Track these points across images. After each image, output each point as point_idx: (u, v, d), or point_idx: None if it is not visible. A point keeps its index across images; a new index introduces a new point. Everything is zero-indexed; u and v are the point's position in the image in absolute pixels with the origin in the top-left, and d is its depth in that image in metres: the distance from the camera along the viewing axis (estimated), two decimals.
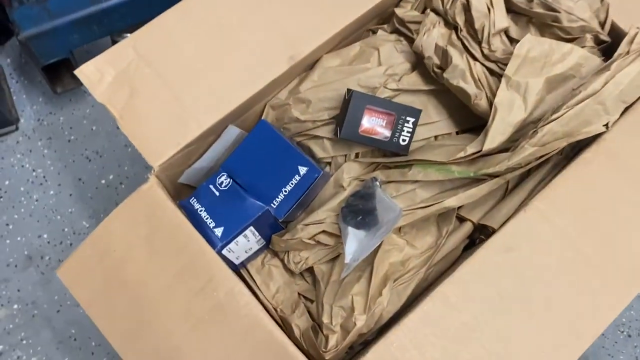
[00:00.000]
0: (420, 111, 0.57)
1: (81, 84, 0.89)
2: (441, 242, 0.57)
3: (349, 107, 0.55)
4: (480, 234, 0.59)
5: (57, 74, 0.88)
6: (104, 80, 0.55)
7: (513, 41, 0.62)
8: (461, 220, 0.60)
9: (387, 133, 0.57)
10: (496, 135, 0.54)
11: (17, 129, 0.90)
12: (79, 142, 0.90)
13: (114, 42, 0.89)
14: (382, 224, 0.53)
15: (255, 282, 0.60)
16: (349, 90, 0.58)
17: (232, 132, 0.60)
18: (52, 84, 0.87)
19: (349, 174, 0.60)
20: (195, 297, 0.50)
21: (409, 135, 0.58)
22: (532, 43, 0.56)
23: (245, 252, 0.57)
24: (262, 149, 0.56)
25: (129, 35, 0.86)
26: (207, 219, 0.53)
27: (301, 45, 0.58)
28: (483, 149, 0.54)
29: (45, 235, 0.85)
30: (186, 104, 0.55)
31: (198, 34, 0.57)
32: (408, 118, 0.57)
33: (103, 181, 0.86)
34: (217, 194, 0.55)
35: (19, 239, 0.85)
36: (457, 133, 0.63)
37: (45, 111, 0.92)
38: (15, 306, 0.82)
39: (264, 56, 0.57)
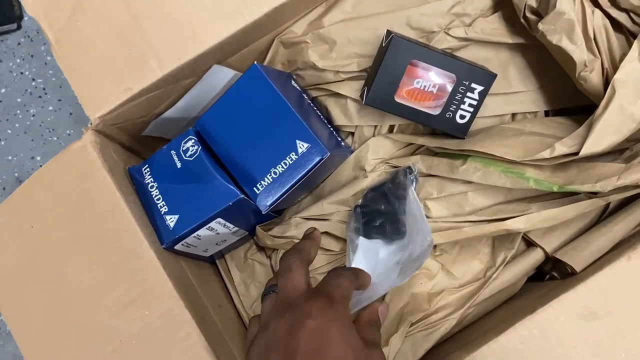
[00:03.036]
0: (494, 76, 0.38)
1: None
2: (493, 274, 0.39)
3: (384, 58, 0.37)
4: (553, 268, 0.41)
5: None
6: None
7: None
8: (528, 243, 0.41)
9: (438, 104, 0.38)
10: (607, 132, 0.34)
11: (19, 27, 0.77)
12: None
13: None
14: (408, 248, 0.36)
15: (233, 281, 0.45)
16: (388, 32, 0.38)
17: (221, 74, 0.43)
18: None
19: (376, 153, 0.43)
20: (123, 311, 0.36)
21: (471, 110, 0.39)
22: None
23: (217, 244, 0.42)
24: (249, 107, 0.39)
25: None
26: (158, 200, 0.38)
27: None
28: (582, 152, 0.34)
29: (38, 158, 0.74)
30: (148, 31, 0.38)
31: None
32: (474, 85, 0.38)
33: None
34: (179, 165, 0.39)
35: (9, 157, 0.74)
36: (548, 114, 0.43)
37: None
38: None
39: None
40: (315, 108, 0.44)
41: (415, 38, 0.41)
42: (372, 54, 0.42)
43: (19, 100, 0.75)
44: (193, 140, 0.39)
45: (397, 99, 0.38)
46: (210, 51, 0.39)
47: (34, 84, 0.76)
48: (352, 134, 0.44)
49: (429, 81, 0.37)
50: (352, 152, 0.43)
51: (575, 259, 0.37)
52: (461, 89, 0.37)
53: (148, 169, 0.39)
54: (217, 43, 0.38)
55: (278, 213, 0.44)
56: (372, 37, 0.41)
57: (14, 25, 0.76)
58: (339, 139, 0.43)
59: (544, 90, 0.42)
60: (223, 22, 0.38)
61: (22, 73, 0.76)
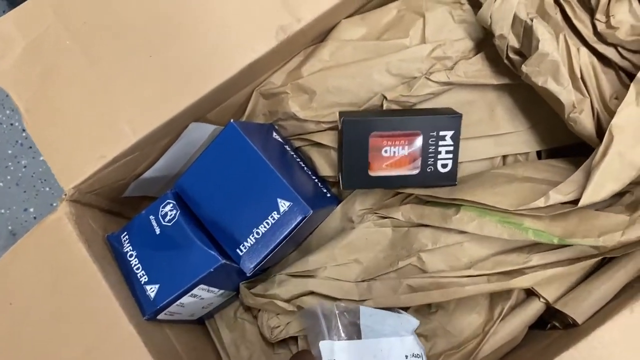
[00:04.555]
0: (460, 116, 0.36)
1: None
2: (491, 328, 0.38)
3: (343, 141, 0.36)
4: (554, 317, 0.39)
5: None
6: (10, 53, 0.38)
7: None
8: (528, 291, 0.39)
9: (414, 164, 0.37)
10: (606, 180, 0.33)
11: None
12: None
13: None
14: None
15: (223, 343, 0.43)
16: (340, 114, 0.38)
17: (200, 130, 0.41)
18: None
19: (363, 204, 0.41)
20: None
21: (450, 156, 0.37)
22: None
23: (203, 307, 0.41)
24: (230, 166, 0.38)
25: None
26: (138, 269, 0.37)
27: (301, 8, 0.37)
28: (581, 202, 0.33)
29: (31, 209, 0.73)
30: (119, 98, 0.37)
31: None
32: (442, 133, 0.36)
33: None
34: (158, 231, 0.37)
35: (2, 211, 0.73)
36: (540, 154, 0.41)
37: None
38: None
39: (241, 27, 0.37)
40: (298, 159, 0.42)
41: (394, 83, 0.39)
42: (352, 102, 0.40)
43: (9, 152, 0.75)
44: (171, 205, 0.38)
45: (373, 174, 0.37)
46: (185, 111, 0.37)
47: (24, 134, 0.75)
48: (339, 182, 0.43)
49: (397, 146, 0.36)
50: (339, 202, 0.42)
51: (577, 310, 0.35)
52: (431, 141, 0.36)
53: (127, 236, 0.38)
54: (191, 104, 0.37)
55: (263, 270, 0.43)
56: (352, 85, 0.40)
57: None
58: (325, 190, 0.42)
59: (535, 130, 0.40)
60: (196, 82, 0.37)
61: (12, 124, 0.76)
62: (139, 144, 0.37)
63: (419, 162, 0.37)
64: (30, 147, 0.75)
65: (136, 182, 0.42)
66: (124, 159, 0.38)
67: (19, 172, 0.74)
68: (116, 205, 0.43)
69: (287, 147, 0.42)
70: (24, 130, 0.75)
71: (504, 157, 0.41)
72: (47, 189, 0.74)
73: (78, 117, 0.37)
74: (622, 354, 0.32)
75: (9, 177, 0.74)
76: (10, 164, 0.74)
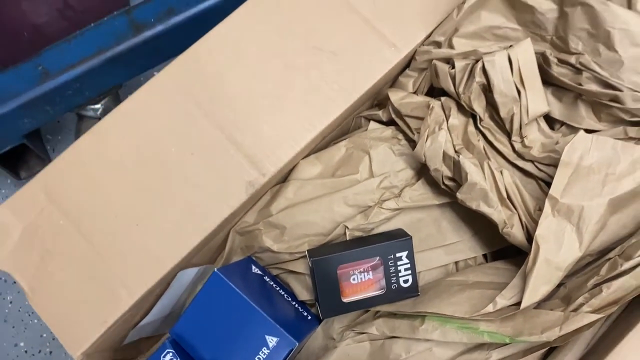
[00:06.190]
0: (410, 238, 0.42)
1: (50, 160, 0.77)
2: None
3: (315, 278, 0.42)
4: None
5: (19, 157, 0.76)
6: (8, 240, 0.42)
7: (556, 124, 0.46)
8: None
9: (380, 285, 0.42)
10: (539, 284, 0.39)
11: None
12: None
13: (80, 117, 0.77)
14: None
15: None
16: (308, 252, 0.43)
17: (185, 277, 0.46)
18: (13, 171, 0.76)
19: (341, 322, 0.46)
20: None
21: (409, 272, 0.43)
22: (587, 145, 0.39)
23: None
24: (218, 311, 0.42)
25: (96, 106, 0.74)
26: None
27: (265, 162, 0.43)
28: (522, 306, 0.38)
29: (22, 344, 0.75)
30: (113, 265, 0.41)
31: (122, 164, 0.43)
32: (398, 254, 0.42)
33: None
34: None
35: None
36: (486, 257, 0.47)
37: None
38: None
39: (214, 187, 0.43)
40: (277, 287, 0.47)
41: (353, 213, 0.45)
42: (319, 232, 0.46)
43: None
44: (171, 353, 0.42)
45: (345, 300, 0.42)
46: (173, 269, 0.42)
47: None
48: (317, 310, 0.48)
49: (362, 272, 0.42)
50: (319, 322, 0.47)
51: None
52: (390, 263, 0.42)
53: None
54: (178, 262, 0.42)
55: None
56: (317, 218, 0.46)
57: None
58: (305, 314, 0.47)
59: (478, 237, 0.46)
60: (181, 241, 0.42)
61: None
62: (135, 304, 0.42)
63: (383, 283, 0.43)
64: (15, 283, 0.77)
65: (133, 331, 0.46)
66: (123, 318, 0.42)
67: (5, 308, 0.76)
68: (118, 353, 0.47)
69: (266, 277, 0.47)
70: None
71: (457, 263, 0.47)
72: (35, 320, 0.76)
73: (78, 288, 0.41)
74: None
75: None
76: None
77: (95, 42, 0.66)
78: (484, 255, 0.47)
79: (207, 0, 0.67)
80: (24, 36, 0.83)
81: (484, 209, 0.41)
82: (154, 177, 0.43)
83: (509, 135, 0.44)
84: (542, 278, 0.38)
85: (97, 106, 0.74)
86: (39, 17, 0.81)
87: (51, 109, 0.69)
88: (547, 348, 0.41)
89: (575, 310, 0.38)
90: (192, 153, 0.43)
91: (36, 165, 0.77)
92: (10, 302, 0.77)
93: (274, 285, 0.47)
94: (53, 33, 0.86)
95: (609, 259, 0.39)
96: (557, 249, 0.39)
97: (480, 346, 0.42)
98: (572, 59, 0.42)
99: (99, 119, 0.76)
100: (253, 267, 0.47)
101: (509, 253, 0.46)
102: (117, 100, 0.76)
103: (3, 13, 0.77)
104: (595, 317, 0.37)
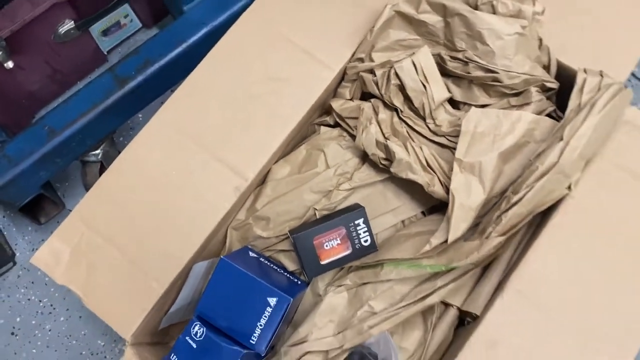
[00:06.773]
0: (362, 208, 0.56)
1: (64, 206, 0.90)
2: (429, 337, 0.56)
3: (297, 250, 0.55)
4: (466, 315, 0.58)
5: (37, 205, 0.89)
6: (61, 261, 0.55)
7: (460, 104, 0.60)
8: (445, 304, 0.58)
9: (347, 246, 0.56)
10: (459, 223, 0.52)
11: (14, 264, 0.92)
12: None
13: (83, 163, 0.89)
14: None
15: None
16: (290, 232, 0.57)
17: (199, 268, 0.59)
18: (34, 217, 0.88)
19: (324, 281, 0.60)
20: None
21: (367, 234, 0.56)
22: (478, 117, 0.53)
23: None
24: (229, 287, 0.56)
25: (96, 152, 0.87)
26: None
27: (246, 170, 0.57)
28: (449, 241, 0.52)
29: None
30: (143, 266, 0.55)
31: (136, 189, 0.57)
32: (356, 222, 0.56)
33: None
34: (195, 346, 0.55)
35: None
36: (424, 213, 0.61)
37: (37, 239, 0.94)
38: None
39: (209, 195, 0.56)
40: (271, 264, 0.61)
41: (318, 198, 0.59)
42: (295, 217, 0.59)
43: (33, 322, 0.90)
44: (198, 325, 0.55)
45: (323, 262, 0.55)
46: (189, 262, 0.56)
47: (41, 304, 0.90)
48: (304, 274, 0.61)
49: (332, 240, 0.56)
50: (308, 285, 0.60)
51: (475, 306, 0.54)
52: (352, 229, 0.55)
53: (174, 356, 0.55)
54: (191, 256, 0.55)
55: (272, 348, 0.60)
56: (292, 207, 0.59)
57: (11, 264, 0.91)
58: (296, 280, 0.60)
59: (415, 199, 0.60)
60: (190, 241, 0.56)
61: (29, 299, 0.91)
62: (165, 293, 0.55)
63: (349, 245, 0.56)
64: (50, 313, 0.90)
65: (166, 317, 0.59)
66: (156, 307, 0.55)
67: (46, 336, 0.89)
68: (155, 337, 0.60)
69: (261, 259, 0.61)
70: (40, 300, 0.90)
71: (403, 221, 0.61)
72: (74, 342, 0.88)
73: (119, 288, 0.54)
74: (501, 330, 0.51)
75: (39, 343, 0.89)
76: (37, 331, 0.89)
77: (89, 99, 0.79)
78: (423, 212, 0.61)
79: (176, 49, 0.80)
80: (22, 103, 0.96)
81: (411, 176, 0.55)
82: (163, 195, 0.56)
83: (424, 119, 0.58)
84: (460, 218, 0.52)
85: (97, 152, 0.87)
86: (33, 85, 0.94)
87: (60, 160, 0.82)
88: (474, 269, 0.55)
89: (487, 237, 0.52)
90: (190, 172, 0.57)
91: (52, 210, 0.90)
92: (50, 330, 0.89)
93: (269, 263, 0.61)
94: (46, 96, 1.00)
95: (506, 196, 0.53)
96: (467, 195, 0.53)
97: (428, 279, 0.56)
98: (460, 55, 0.57)
99: (100, 162, 0.89)
100: (250, 252, 0.61)
101: (441, 208, 0.60)
102: (113, 144, 0.89)
103: (2, 86, 0.89)
104: (500, 239, 0.51)
